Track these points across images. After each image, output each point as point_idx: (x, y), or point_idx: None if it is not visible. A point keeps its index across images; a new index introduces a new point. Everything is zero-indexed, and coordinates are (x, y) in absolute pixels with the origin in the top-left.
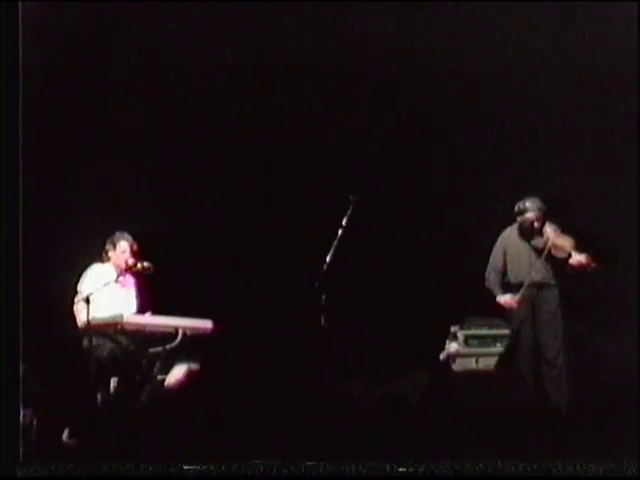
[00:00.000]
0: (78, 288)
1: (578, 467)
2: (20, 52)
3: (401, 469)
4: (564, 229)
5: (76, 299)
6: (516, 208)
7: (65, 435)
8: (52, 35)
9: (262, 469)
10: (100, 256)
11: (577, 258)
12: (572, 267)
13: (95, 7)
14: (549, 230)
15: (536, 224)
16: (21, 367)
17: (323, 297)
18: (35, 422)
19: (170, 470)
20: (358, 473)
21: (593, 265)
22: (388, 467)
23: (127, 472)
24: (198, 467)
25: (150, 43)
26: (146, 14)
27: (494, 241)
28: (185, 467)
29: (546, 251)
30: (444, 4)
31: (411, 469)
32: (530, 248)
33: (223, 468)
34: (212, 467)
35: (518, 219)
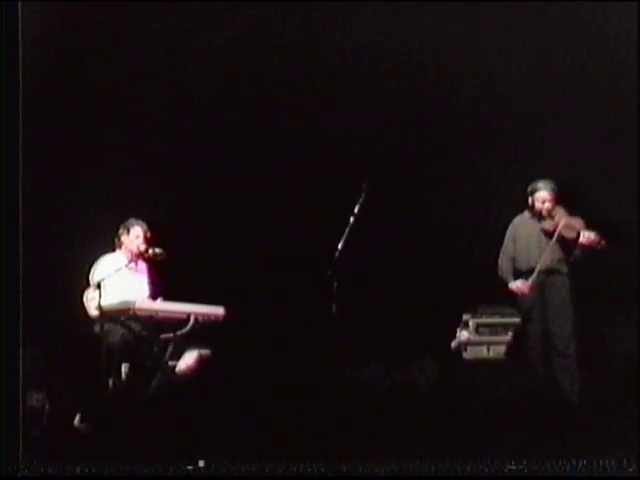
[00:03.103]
0: (90, 279)
1: (579, 466)
2: (20, 52)
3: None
4: (574, 213)
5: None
6: (529, 189)
7: (77, 420)
8: (52, 35)
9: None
10: (112, 243)
11: (587, 235)
12: (582, 245)
13: (95, 7)
14: (560, 212)
15: (548, 204)
16: (21, 368)
17: (335, 284)
18: (47, 407)
19: (171, 470)
20: (366, 470)
21: (603, 243)
22: (397, 466)
23: (128, 472)
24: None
25: (150, 42)
26: (147, 14)
27: (505, 229)
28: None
29: (557, 232)
30: (447, 4)
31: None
32: (540, 233)
33: (233, 459)
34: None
35: (530, 199)
